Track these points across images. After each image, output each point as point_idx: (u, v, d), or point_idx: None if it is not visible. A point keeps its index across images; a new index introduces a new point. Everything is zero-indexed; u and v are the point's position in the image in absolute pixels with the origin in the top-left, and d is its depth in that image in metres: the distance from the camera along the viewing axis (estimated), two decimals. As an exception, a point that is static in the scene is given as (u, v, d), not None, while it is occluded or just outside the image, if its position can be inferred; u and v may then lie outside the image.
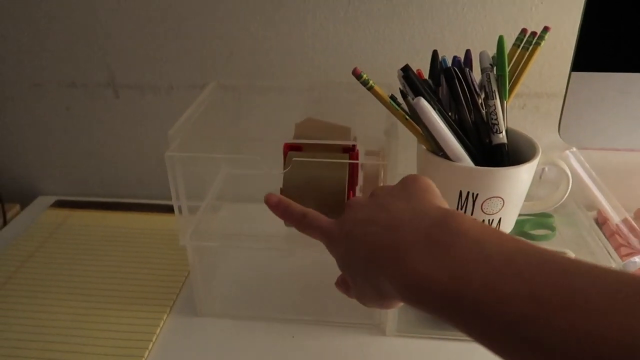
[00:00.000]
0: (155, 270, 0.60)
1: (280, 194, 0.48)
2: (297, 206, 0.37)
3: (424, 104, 0.41)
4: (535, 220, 0.54)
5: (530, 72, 0.63)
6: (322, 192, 0.45)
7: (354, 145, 0.49)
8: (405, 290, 0.27)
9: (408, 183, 0.33)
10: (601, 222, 0.59)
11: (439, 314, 0.25)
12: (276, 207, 0.38)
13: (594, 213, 0.61)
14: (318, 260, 0.60)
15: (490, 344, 0.23)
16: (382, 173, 0.48)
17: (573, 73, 0.48)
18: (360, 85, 0.42)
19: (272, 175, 0.47)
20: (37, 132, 0.74)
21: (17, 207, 0.75)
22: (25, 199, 0.76)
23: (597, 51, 0.48)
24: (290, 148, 0.49)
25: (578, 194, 0.59)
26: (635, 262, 0.48)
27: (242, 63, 0.65)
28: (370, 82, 0.42)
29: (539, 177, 0.54)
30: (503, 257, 0.24)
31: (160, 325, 0.52)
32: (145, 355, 0.49)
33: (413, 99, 0.42)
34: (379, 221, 0.30)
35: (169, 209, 0.72)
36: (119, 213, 0.72)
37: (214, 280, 0.58)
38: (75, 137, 0.74)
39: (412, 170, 0.50)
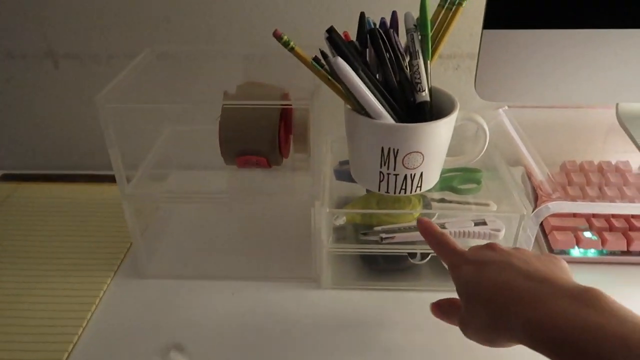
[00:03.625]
0: (101, 238, 0.61)
1: (219, 139, 0.53)
2: (437, 227, 0.44)
3: (341, 62, 0.42)
4: (464, 176, 0.57)
5: (462, 33, 0.66)
6: (255, 131, 0.52)
7: (285, 95, 0.54)
8: (537, 330, 0.31)
9: (546, 256, 0.38)
10: (529, 176, 0.63)
11: (558, 356, 0.30)
12: (421, 224, 0.45)
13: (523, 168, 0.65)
14: (255, 218, 0.64)
15: None
16: (310, 122, 0.52)
17: (485, 31, 0.51)
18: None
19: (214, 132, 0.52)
20: (-22, 106, 0.73)
21: (-37, 182, 0.74)
22: (-30, 174, 0.76)
23: (506, 9, 0.50)
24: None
25: (508, 150, 0.62)
26: (548, 208, 0.51)
27: (179, 29, 0.65)
28: (291, 43, 0.44)
29: (475, 133, 0.57)
30: (635, 326, 0.29)
31: (104, 289, 0.54)
32: (88, 317, 0.50)
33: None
34: (515, 267, 0.36)
35: (113, 179, 0.72)
36: (64, 185, 0.72)
37: (156, 243, 0.59)
38: (18, 110, 0.73)
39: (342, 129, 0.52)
